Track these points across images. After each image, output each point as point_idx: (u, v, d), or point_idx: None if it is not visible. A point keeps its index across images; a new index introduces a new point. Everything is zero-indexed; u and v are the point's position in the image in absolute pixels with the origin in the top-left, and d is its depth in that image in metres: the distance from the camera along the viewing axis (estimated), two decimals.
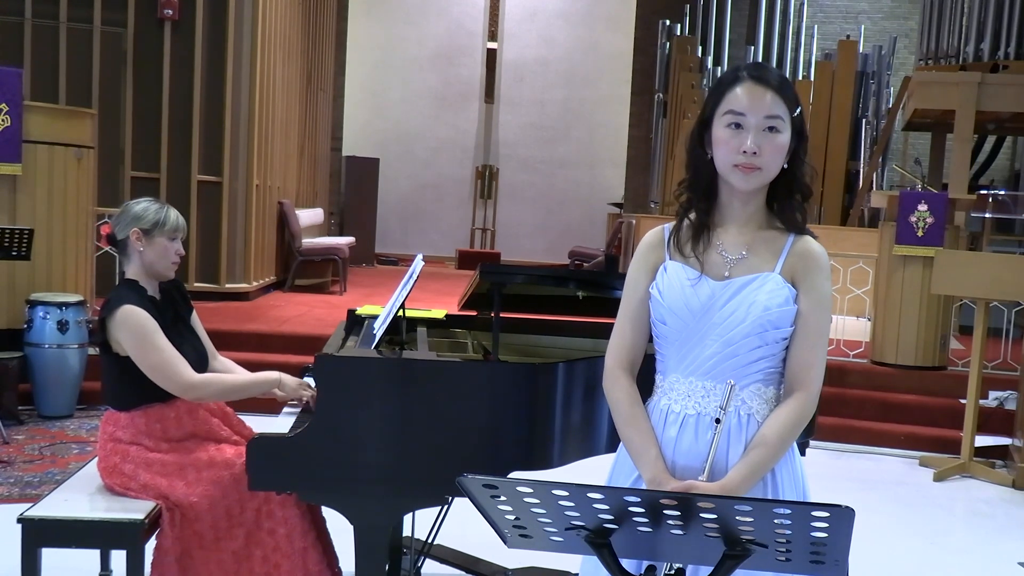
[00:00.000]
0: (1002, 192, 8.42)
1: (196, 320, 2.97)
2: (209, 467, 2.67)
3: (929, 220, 6.44)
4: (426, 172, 15.73)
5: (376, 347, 2.63)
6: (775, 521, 1.35)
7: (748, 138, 1.77)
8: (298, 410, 2.88)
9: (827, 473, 5.39)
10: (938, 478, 5.40)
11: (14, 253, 5.09)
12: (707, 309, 1.81)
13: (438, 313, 3.35)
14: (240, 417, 2.97)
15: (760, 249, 1.84)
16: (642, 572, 1.58)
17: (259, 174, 8.54)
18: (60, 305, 5.49)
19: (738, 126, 1.78)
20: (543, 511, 1.43)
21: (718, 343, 1.80)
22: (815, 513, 1.33)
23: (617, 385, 1.92)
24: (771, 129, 1.78)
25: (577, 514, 1.43)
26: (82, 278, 6.09)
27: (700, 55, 13.13)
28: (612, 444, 2.65)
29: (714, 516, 1.37)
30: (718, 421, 1.73)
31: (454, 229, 15.72)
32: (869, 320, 7.49)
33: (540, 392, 2.49)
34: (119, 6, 7.87)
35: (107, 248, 5.77)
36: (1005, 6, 9.83)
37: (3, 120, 5.51)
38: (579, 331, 3.31)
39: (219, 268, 8.17)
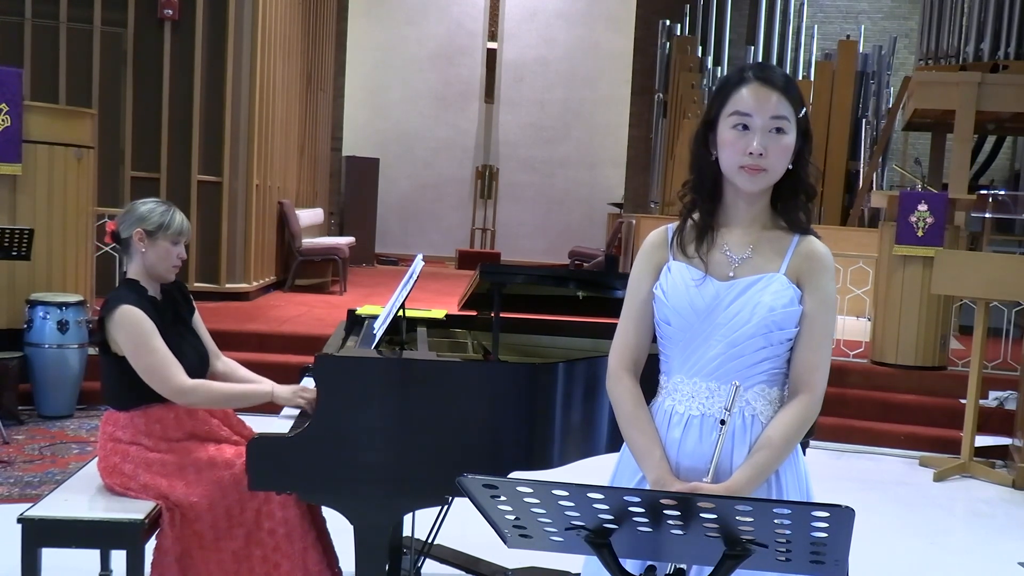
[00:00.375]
0: (1002, 192, 8.42)
1: (198, 321, 2.97)
2: (209, 467, 2.67)
3: (929, 220, 6.44)
4: (426, 172, 15.74)
5: (376, 347, 2.63)
6: (775, 521, 1.35)
7: (754, 139, 1.76)
8: (298, 411, 2.88)
9: (827, 473, 5.39)
10: (938, 478, 5.40)
11: (14, 253, 5.09)
12: (711, 310, 1.81)
13: (438, 313, 3.35)
14: (240, 417, 2.97)
15: (765, 249, 1.84)
16: (642, 572, 1.58)
17: (259, 174, 8.54)
18: (60, 305, 5.49)
19: (744, 127, 1.78)
20: (543, 511, 1.43)
21: (722, 344, 1.80)
22: (815, 513, 1.33)
23: (620, 386, 1.91)
24: (777, 130, 1.77)
25: (577, 514, 1.43)
26: (82, 278, 6.09)
27: (700, 55, 13.13)
28: (612, 444, 2.65)
29: (714, 516, 1.37)
30: (723, 423, 1.72)
31: (454, 229, 15.72)
32: (869, 320, 7.49)
33: (540, 392, 2.49)
34: (119, 6, 7.87)
35: (109, 247, 5.79)
36: (1005, 6, 9.83)
37: (3, 120, 5.51)
38: (579, 331, 3.31)
39: (219, 268, 8.17)
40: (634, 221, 10.35)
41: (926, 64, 10.79)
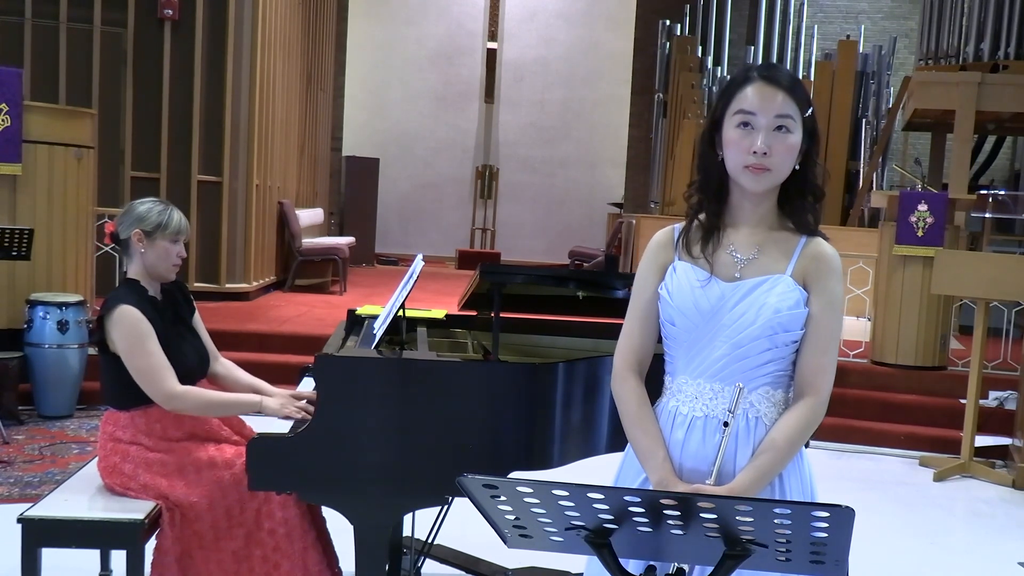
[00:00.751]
0: (1002, 192, 8.42)
1: (198, 321, 2.97)
2: (209, 467, 2.67)
3: (929, 220, 6.44)
4: (426, 172, 15.74)
5: (376, 347, 2.63)
6: (775, 521, 1.35)
7: (758, 138, 1.75)
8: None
9: (827, 473, 5.38)
10: (938, 478, 5.40)
11: (14, 253, 5.09)
12: (716, 310, 1.80)
13: (438, 313, 3.35)
14: (240, 417, 2.97)
15: (771, 251, 1.82)
16: (642, 572, 1.58)
17: (259, 174, 8.54)
18: (60, 305, 5.49)
19: (748, 125, 1.77)
20: (543, 511, 1.43)
21: (727, 345, 1.79)
22: (815, 513, 1.33)
23: (625, 386, 1.89)
24: (781, 129, 1.76)
25: (577, 514, 1.43)
26: (82, 278, 6.08)
27: (700, 55, 13.13)
28: (612, 444, 2.65)
29: (714, 516, 1.37)
30: (726, 424, 1.72)
31: (454, 229, 15.72)
32: (869, 320, 7.49)
33: (540, 392, 2.49)
34: (119, 6, 7.87)
35: (109, 247, 5.79)
36: (1005, 6, 9.83)
37: (3, 120, 5.51)
38: (579, 331, 3.31)
39: (219, 268, 8.18)
40: (634, 221, 10.35)
41: (926, 64, 10.79)
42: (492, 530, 1.53)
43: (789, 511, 1.34)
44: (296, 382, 3.14)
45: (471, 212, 15.84)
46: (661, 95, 13.51)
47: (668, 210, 11.64)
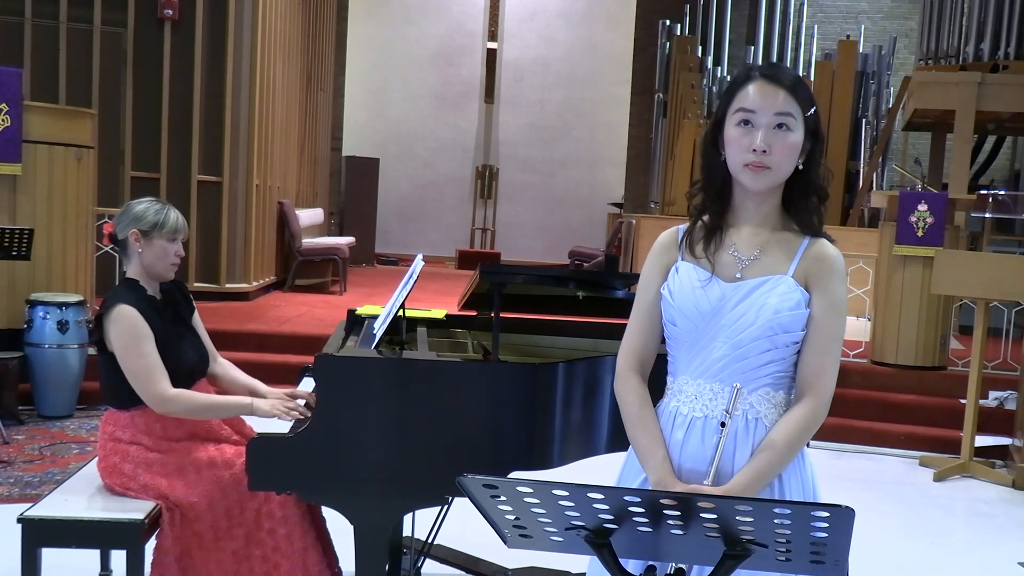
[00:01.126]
0: (1002, 192, 8.41)
1: (198, 321, 2.97)
2: (209, 467, 2.67)
3: (929, 220, 6.44)
4: (426, 172, 15.74)
5: (376, 347, 2.63)
6: (775, 521, 1.35)
7: (758, 136, 1.75)
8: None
9: (827, 473, 5.38)
10: (938, 478, 5.40)
11: (14, 253, 5.09)
12: (717, 311, 1.79)
13: (438, 313, 3.35)
14: (241, 417, 2.96)
15: (774, 251, 1.82)
16: (642, 572, 1.58)
17: (259, 174, 8.54)
18: (60, 305, 5.49)
19: (748, 124, 1.77)
20: (543, 511, 1.43)
21: (727, 345, 1.78)
22: (815, 513, 1.33)
23: (627, 386, 1.89)
24: (782, 127, 1.76)
25: (577, 514, 1.43)
26: (82, 278, 6.09)
27: (700, 55, 13.13)
28: (612, 444, 2.65)
29: (714, 516, 1.37)
30: (723, 425, 1.72)
31: (454, 229, 15.72)
32: (869, 320, 7.49)
33: (540, 392, 2.49)
34: (119, 6, 7.87)
35: (108, 247, 5.79)
36: (1005, 6, 9.83)
37: (3, 120, 5.51)
38: (579, 331, 3.31)
39: (219, 268, 8.18)
40: (634, 221, 10.35)
41: (926, 64, 10.79)
42: (492, 530, 1.53)
43: (789, 511, 1.34)
44: (296, 382, 3.14)
45: (471, 212, 15.84)
46: (661, 95, 13.51)
47: (668, 210, 11.64)
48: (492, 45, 15.65)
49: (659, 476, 1.79)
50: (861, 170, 11.43)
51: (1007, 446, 5.67)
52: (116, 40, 7.92)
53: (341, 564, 2.81)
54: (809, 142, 1.80)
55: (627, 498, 1.39)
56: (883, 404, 6.33)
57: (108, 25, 7.89)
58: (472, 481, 1.41)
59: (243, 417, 2.96)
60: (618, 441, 2.54)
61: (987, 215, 7.90)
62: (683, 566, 1.61)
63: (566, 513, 1.43)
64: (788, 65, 12.81)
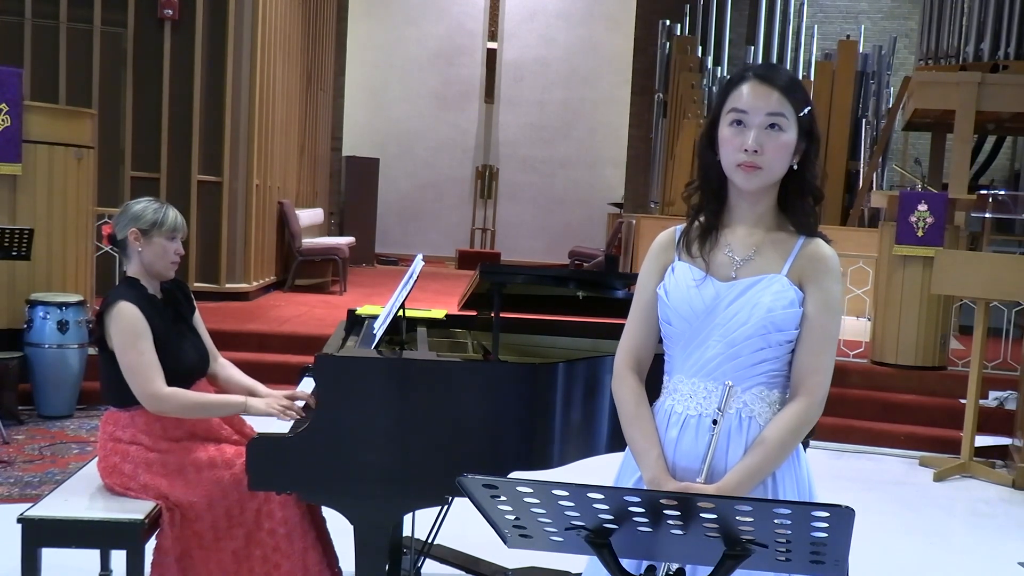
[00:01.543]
0: (1002, 192, 8.41)
1: (199, 320, 2.97)
2: (209, 467, 2.67)
3: (929, 220, 6.44)
4: (426, 172, 15.74)
5: (376, 347, 2.63)
6: (775, 521, 1.35)
7: (750, 136, 1.76)
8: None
9: (827, 473, 5.39)
10: (938, 478, 5.40)
11: (14, 253, 5.09)
12: (711, 310, 1.80)
13: (438, 313, 3.35)
14: (241, 417, 2.97)
15: (768, 251, 1.83)
16: (642, 572, 1.58)
17: (259, 174, 8.54)
18: (60, 305, 5.49)
19: (741, 124, 1.77)
20: (543, 511, 1.43)
21: (721, 344, 1.79)
22: (815, 513, 1.33)
23: (624, 385, 1.91)
24: (774, 127, 1.76)
25: (577, 514, 1.43)
26: (82, 278, 6.09)
27: (700, 55, 13.13)
28: (612, 444, 2.65)
29: (714, 516, 1.37)
30: (715, 423, 1.73)
31: (454, 229, 15.72)
32: (869, 320, 7.49)
33: (540, 392, 2.49)
34: (119, 6, 7.87)
35: (108, 248, 5.79)
36: (1005, 6, 9.83)
37: (3, 120, 5.51)
38: (579, 331, 3.31)
39: (219, 268, 8.18)
40: (634, 221, 10.35)
41: (926, 64, 10.79)
42: (492, 530, 1.53)
43: (789, 511, 1.34)
44: (296, 382, 3.14)
45: (471, 212, 15.84)
46: (661, 95, 13.51)
47: (668, 210, 11.63)
48: (492, 45, 15.64)
49: (653, 474, 1.80)
50: (861, 170, 11.43)
51: (1007, 446, 5.67)
52: (116, 40, 7.92)
53: (341, 564, 2.81)
54: (804, 142, 1.81)
55: (627, 498, 1.39)
56: (883, 404, 6.33)
57: (108, 25, 7.89)
58: (472, 481, 1.41)
59: (243, 417, 2.97)
60: (618, 441, 2.53)
61: (987, 215, 7.90)
62: (683, 566, 1.61)
63: (566, 513, 1.43)
64: (788, 65, 12.81)
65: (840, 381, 6.40)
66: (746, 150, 1.76)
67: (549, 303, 3.21)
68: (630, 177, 14.84)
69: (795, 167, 1.81)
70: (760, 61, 12.71)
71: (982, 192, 8.22)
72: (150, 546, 2.63)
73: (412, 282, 2.73)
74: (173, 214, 2.83)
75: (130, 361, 2.65)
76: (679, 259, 1.88)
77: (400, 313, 2.83)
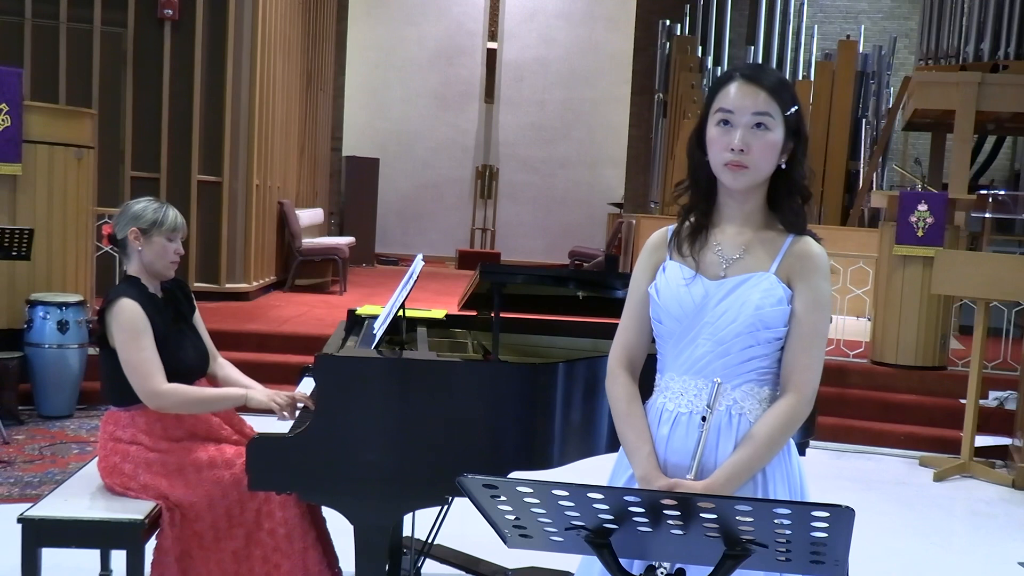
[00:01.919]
0: (1002, 192, 8.41)
1: (199, 320, 2.98)
2: (209, 467, 2.67)
3: (929, 220, 6.44)
4: (426, 172, 15.74)
5: (376, 347, 2.63)
6: (775, 521, 1.35)
7: (736, 136, 1.77)
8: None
9: (827, 473, 5.39)
10: (938, 478, 5.40)
11: (14, 253, 5.09)
12: (700, 308, 1.82)
13: (438, 313, 3.35)
14: (241, 416, 2.97)
15: (757, 249, 1.84)
16: (642, 572, 1.58)
17: (259, 174, 8.54)
18: (60, 305, 5.49)
19: (727, 123, 1.79)
20: (543, 511, 1.43)
21: (710, 342, 1.81)
22: (815, 513, 1.33)
23: (616, 383, 1.94)
24: (760, 127, 1.78)
25: (577, 514, 1.43)
26: (82, 278, 6.09)
27: (700, 55, 13.13)
28: (612, 444, 2.65)
29: (714, 516, 1.37)
30: (704, 419, 1.75)
31: (454, 229, 15.72)
32: (869, 320, 7.49)
33: (540, 392, 2.49)
34: (119, 6, 7.87)
35: (108, 248, 5.79)
36: (1005, 6, 9.83)
37: (3, 120, 5.51)
38: (579, 331, 3.31)
39: (219, 268, 8.18)
40: (634, 221, 10.35)
41: (926, 64, 10.78)
42: (492, 530, 1.53)
43: (789, 511, 1.34)
44: (296, 382, 3.14)
45: (471, 212, 15.84)
46: (661, 95, 13.51)
47: (668, 210, 11.63)
48: (492, 45, 15.64)
49: (644, 471, 1.83)
50: (861, 170, 11.43)
51: (1007, 446, 5.67)
52: (116, 40, 7.92)
53: (341, 564, 2.81)
54: (791, 141, 1.82)
55: (627, 498, 1.39)
56: (883, 404, 6.33)
57: (108, 25, 7.89)
58: (472, 481, 1.41)
59: (243, 416, 2.97)
60: (618, 441, 2.53)
61: (987, 215, 7.90)
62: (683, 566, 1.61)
63: (566, 513, 1.43)
64: (788, 65, 12.82)
65: (840, 381, 6.41)
66: (733, 149, 1.77)
67: (549, 303, 3.21)
68: (630, 177, 14.84)
69: (783, 166, 1.83)
70: (760, 61, 12.72)
71: (982, 192, 8.22)
72: (150, 546, 2.63)
73: (412, 282, 2.73)
74: (173, 213, 2.83)
75: (131, 357, 2.65)
76: (670, 258, 1.91)
77: (400, 313, 2.83)
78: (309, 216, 10.57)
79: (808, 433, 2.98)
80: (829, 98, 11.44)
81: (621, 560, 1.54)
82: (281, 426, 2.63)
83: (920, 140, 12.78)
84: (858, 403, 6.29)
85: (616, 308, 2.03)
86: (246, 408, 2.78)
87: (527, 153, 15.80)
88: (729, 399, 1.81)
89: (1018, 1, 9.71)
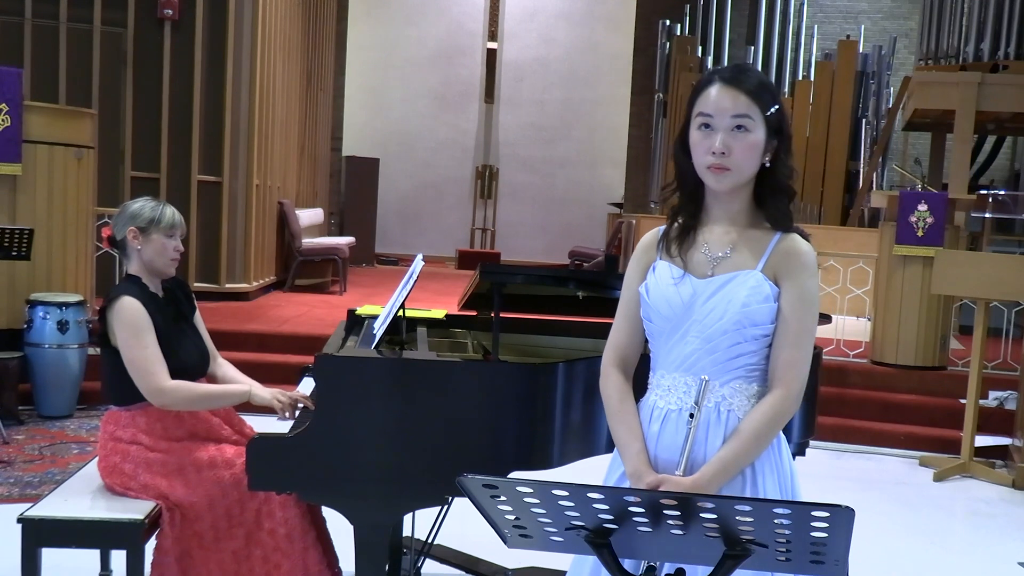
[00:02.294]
0: (1002, 192, 8.41)
1: (199, 320, 2.98)
2: (209, 467, 2.67)
3: (929, 220, 6.44)
4: (426, 172, 15.73)
5: (376, 347, 2.63)
6: (775, 521, 1.35)
7: (717, 139, 1.80)
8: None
9: (827, 473, 5.39)
10: (938, 478, 5.40)
11: (14, 253, 5.09)
12: (689, 306, 1.85)
13: (438, 313, 3.35)
14: (241, 417, 2.97)
15: (744, 248, 1.87)
16: (642, 572, 1.58)
17: (259, 174, 8.54)
18: (60, 305, 5.49)
19: (708, 127, 1.82)
20: (543, 511, 1.43)
21: (698, 339, 1.84)
22: (815, 513, 1.33)
23: (608, 382, 1.97)
24: (740, 128, 1.80)
25: (577, 514, 1.43)
26: (82, 278, 6.09)
27: (700, 55, 13.13)
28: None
29: (714, 516, 1.37)
30: (692, 416, 1.77)
31: (454, 229, 15.72)
32: (869, 320, 7.49)
33: (540, 392, 2.49)
34: (119, 6, 7.87)
35: (108, 249, 5.81)
36: (1005, 6, 9.83)
37: (3, 120, 5.51)
38: (579, 331, 3.31)
39: (219, 268, 8.18)
40: (634, 221, 10.35)
41: (926, 64, 10.79)
42: (492, 530, 1.53)
43: (789, 511, 1.34)
44: (296, 382, 3.14)
45: (471, 212, 15.84)
46: (661, 95, 13.51)
47: (668, 210, 11.62)
48: (492, 45, 15.64)
49: (634, 467, 1.85)
50: (861, 170, 11.43)
51: (1007, 446, 5.67)
52: (116, 40, 7.92)
53: (341, 564, 2.81)
54: (774, 140, 1.84)
55: (627, 498, 1.39)
56: (883, 404, 6.33)
57: (108, 25, 7.89)
58: (472, 481, 1.41)
59: (243, 416, 2.97)
60: None
61: (987, 215, 7.90)
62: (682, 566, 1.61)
63: (566, 513, 1.43)
64: (788, 65, 12.82)
65: (840, 381, 6.40)
66: (714, 152, 1.80)
67: (549, 303, 3.21)
68: (630, 177, 14.84)
69: (767, 165, 1.85)
70: (760, 61, 12.73)
71: (982, 192, 8.22)
72: (150, 546, 2.63)
73: (412, 282, 2.73)
74: (171, 212, 2.84)
75: (134, 355, 2.65)
76: (660, 259, 1.94)
77: (400, 313, 2.83)
78: (309, 216, 10.56)
79: (808, 433, 2.99)
80: (829, 98, 11.44)
81: (621, 560, 1.54)
82: (281, 426, 2.63)
83: (920, 140, 12.79)
84: (858, 403, 6.29)
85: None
86: (248, 406, 2.78)
87: (527, 153, 15.80)
88: (718, 395, 1.84)
89: (1018, 1, 9.71)
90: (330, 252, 9.93)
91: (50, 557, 2.64)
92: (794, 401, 1.83)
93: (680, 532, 1.42)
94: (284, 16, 9.40)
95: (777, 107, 1.84)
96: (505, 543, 1.55)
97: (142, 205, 2.82)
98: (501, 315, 2.66)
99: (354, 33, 14.98)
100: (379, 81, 15.53)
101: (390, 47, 15.55)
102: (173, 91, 7.96)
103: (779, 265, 1.84)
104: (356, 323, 3.28)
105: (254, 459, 2.44)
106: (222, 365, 3.02)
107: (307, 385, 2.98)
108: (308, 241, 9.97)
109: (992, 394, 6.32)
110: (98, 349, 2.86)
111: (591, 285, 3.03)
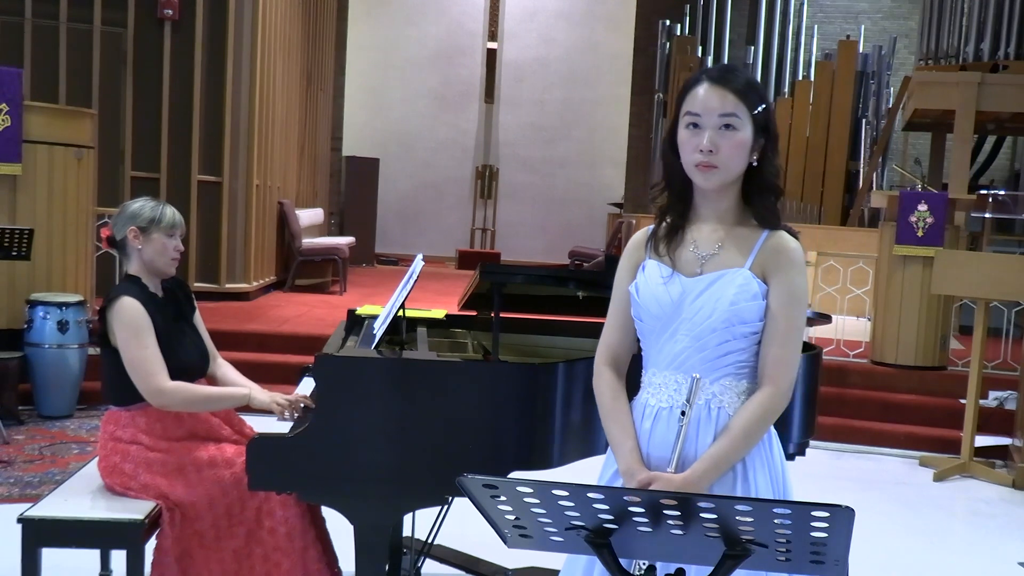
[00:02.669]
0: (1002, 192, 8.40)
1: (199, 320, 2.98)
2: (209, 467, 2.68)
3: (929, 220, 6.44)
4: (426, 172, 15.73)
5: (376, 347, 2.63)
6: (775, 521, 1.35)
7: (704, 137, 1.81)
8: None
9: (827, 473, 5.39)
10: (938, 478, 5.40)
11: (14, 253, 5.09)
12: (678, 305, 1.86)
13: (438, 313, 3.35)
14: (241, 417, 2.97)
15: (732, 246, 1.88)
16: (642, 572, 1.58)
17: (259, 174, 8.54)
18: (60, 305, 5.49)
19: (696, 126, 1.83)
20: (543, 511, 1.43)
21: (688, 337, 1.85)
22: (815, 513, 1.33)
23: (601, 380, 1.99)
24: (727, 127, 1.81)
25: (577, 514, 1.43)
26: (82, 278, 6.09)
27: (700, 55, 13.13)
28: None
29: (714, 516, 1.37)
30: (683, 414, 1.78)
31: (454, 229, 15.72)
32: (869, 320, 7.49)
33: (540, 392, 2.49)
34: (119, 6, 7.87)
35: (107, 249, 5.81)
36: (1005, 6, 9.83)
37: (3, 120, 5.51)
38: (579, 331, 3.31)
39: (219, 268, 8.18)
40: (634, 221, 10.35)
41: (926, 64, 10.78)
42: (492, 530, 1.53)
43: (789, 511, 1.34)
44: (296, 382, 3.14)
45: (471, 212, 15.84)
46: (661, 95, 13.51)
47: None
48: (492, 45, 15.64)
49: (627, 464, 1.87)
50: (861, 170, 11.43)
51: (1007, 446, 5.67)
52: (116, 40, 7.92)
53: (341, 564, 2.81)
54: (761, 139, 1.86)
55: (627, 498, 1.39)
56: (883, 404, 6.33)
57: (108, 25, 7.89)
58: (472, 481, 1.41)
59: (243, 416, 2.97)
60: None
61: (987, 215, 7.90)
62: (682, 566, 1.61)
63: (566, 513, 1.43)
64: (788, 65, 12.81)
65: (840, 381, 6.40)
66: (702, 151, 1.81)
67: (549, 303, 3.21)
68: (630, 177, 14.84)
69: (755, 163, 1.86)
70: (760, 61, 12.73)
71: (982, 192, 8.22)
72: (150, 546, 2.63)
73: (412, 282, 2.73)
74: (171, 211, 2.84)
75: (134, 355, 2.65)
76: (649, 258, 1.95)
77: (400, 313, 2.83)
78: (309, 216, 10.56)
79: (808, 433, 2.98)
80: (829, 98, 11.44)
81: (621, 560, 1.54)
82: (281, 426, 2.63)
83: (920, 140, 12.78)
84: (858, 403, 6.29)
85: None
86: (247, 408, 2.78)
87: (527, 153, 15.80)
88: (708, 393, 1.85)
89: (1018, 1, 9.71)
90: (330, 252, 9.93)
91: (50, 557, 2.64)
92: (783, 397, 1.84)
93: (680, 532, 1.42)
94: (284, 16, 9.40)
95: (764, 106, 1.85)
96: (505, 543, 1.55)
97: (142, 205, 2.82)
98: (501, 315, 2.66)
99: (354, 33, 14.98)
100: (379, 81, 15.53)
101: (390, 47, 15.56)
102: (173, 91, 7.97)
103: (767, 263, 1.86)
104: (356, 323, 3.28)
105: (254, 459, 2.44)
106: (222, 366, 3.02)
107: (307, 385, 2.98)
108: (308, 241, 9.97)
109: (992, 394, 6.32)
110: (98, 349, 2.86)
111: (591, 285, 3.02)
